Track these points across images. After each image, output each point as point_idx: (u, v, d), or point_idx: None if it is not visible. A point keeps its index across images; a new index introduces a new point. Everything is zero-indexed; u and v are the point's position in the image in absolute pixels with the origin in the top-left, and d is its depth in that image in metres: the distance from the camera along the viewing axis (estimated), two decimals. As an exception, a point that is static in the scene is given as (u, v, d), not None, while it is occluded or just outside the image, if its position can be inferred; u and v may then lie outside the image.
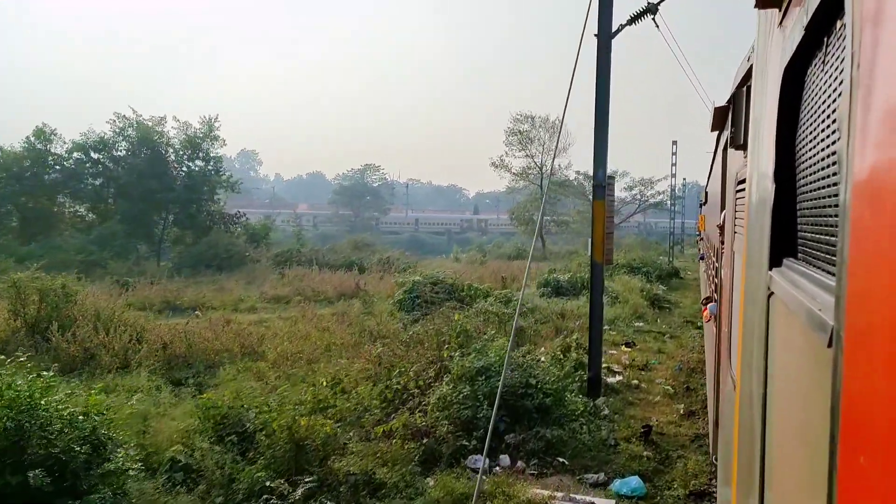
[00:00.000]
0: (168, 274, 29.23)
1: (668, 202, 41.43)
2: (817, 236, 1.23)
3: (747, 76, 2.84)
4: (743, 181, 2.85)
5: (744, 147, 2.82)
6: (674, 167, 36.48)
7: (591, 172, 9.83)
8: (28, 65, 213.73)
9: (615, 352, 13.36)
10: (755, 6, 1.80)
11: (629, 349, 13.60)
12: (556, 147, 50.24)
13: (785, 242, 1.53)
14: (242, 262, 29.84)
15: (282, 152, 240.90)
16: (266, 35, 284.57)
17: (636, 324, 16.42)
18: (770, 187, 1.58)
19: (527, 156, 49.36)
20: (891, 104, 0.66)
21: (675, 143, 36.49)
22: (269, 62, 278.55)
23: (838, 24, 1.03)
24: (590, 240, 9.85)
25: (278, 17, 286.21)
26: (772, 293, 1.55)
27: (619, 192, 72.05)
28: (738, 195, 3.27)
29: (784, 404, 1.40)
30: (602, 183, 9.40)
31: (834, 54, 1.09)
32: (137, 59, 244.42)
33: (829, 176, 1.10)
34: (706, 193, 12.04)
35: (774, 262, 1.56)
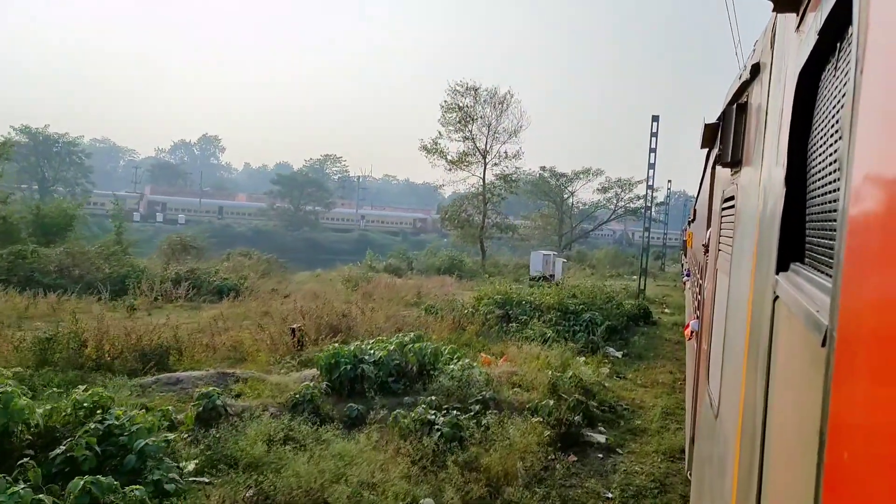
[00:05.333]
0: None
1: (646, 204, 29.95)
2: (823, 241, 1.23)
3: (738, 94, 2.85)
4: (730, 199, 2.91)
5: (731, 165, 2.83)
6: (653, 153, 25.24)
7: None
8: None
9: None
10: (773, 10, 1.79)
11: None
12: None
13: (793, 247, 1.51)
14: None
15: (251, 141, 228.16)
16: (240, 21, 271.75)
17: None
18: (781, 191, 1.56)
19: (466, 138, 37.79)
20: (891, 109, 0.67)
21: (655, 118, 25.28)
22: (245, 48, 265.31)
23: (849, 29, 1.04)
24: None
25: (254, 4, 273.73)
26: (777, 297, 1.53)
27: (592, 194, 60.72)
28: (725, 213, 3.21)
29: (781, 405, 1.42)
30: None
31: (845, 59, 1.09)
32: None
33: (835, 180, 1.11)
34: (694, 211, 10.35)
35: (781, 266, 1.54)
